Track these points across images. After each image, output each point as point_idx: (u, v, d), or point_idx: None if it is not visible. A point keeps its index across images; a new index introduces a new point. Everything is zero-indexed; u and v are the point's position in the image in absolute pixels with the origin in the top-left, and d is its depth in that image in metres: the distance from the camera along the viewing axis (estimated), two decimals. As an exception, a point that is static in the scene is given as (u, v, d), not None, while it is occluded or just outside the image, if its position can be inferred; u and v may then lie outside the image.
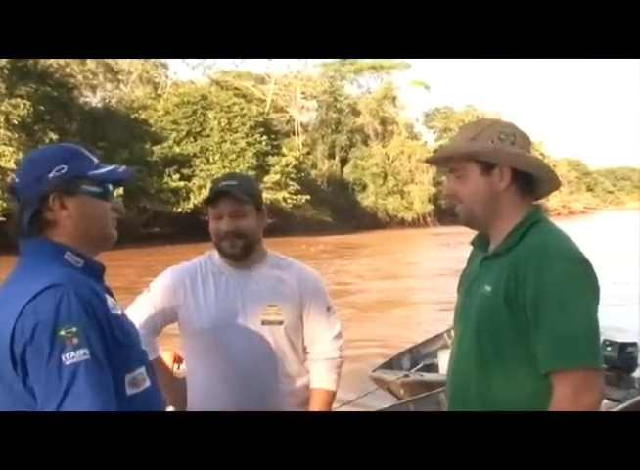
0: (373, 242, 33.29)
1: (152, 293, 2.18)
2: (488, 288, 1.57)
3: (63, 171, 1.39)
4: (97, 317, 1.30)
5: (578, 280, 1.50)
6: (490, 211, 1.62)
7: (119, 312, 1.41)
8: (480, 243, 1.73)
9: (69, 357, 1.23)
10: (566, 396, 1.44)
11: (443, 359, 6.89)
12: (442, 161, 1.74)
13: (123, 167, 1.50)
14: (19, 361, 1.25)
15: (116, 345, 1.33)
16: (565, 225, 1.78)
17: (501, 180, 1.60)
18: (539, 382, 1.50)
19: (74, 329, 1.25)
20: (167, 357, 3.19)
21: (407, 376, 6.60)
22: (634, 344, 5.29)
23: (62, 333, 1.24)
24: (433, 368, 6.98)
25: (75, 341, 1.24)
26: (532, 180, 1.64)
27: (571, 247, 1.56)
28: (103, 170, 1.45)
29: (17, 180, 1.41)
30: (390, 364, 7.08)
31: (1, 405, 1.30)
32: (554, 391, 1.46)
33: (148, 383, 1.41)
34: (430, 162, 1.80)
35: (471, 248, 1.82)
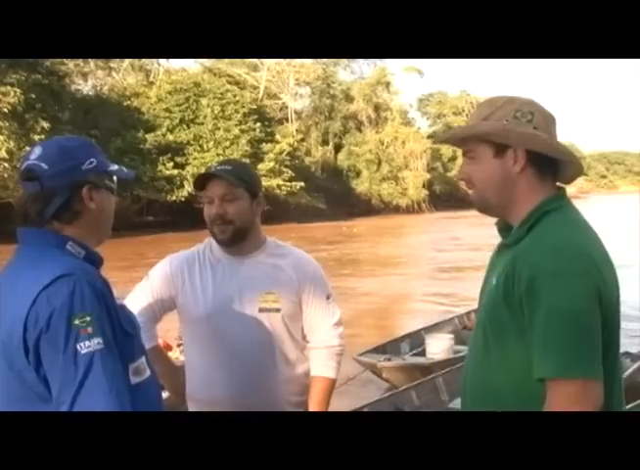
0: (397, 225, 35.97)
1: (150, 281, 2.19)
2: (494, 281, 1.46)
3: (93, 164, 1.44)
4: (107, 307, 1.32)
5: (574, 283, 1.32)
6: (504, 197, 1.48)
7: (121, 302, 1.44)
8: (503, 228, 1.58)
9: (85, 347, 1.25)
10: (554, 406, 1.31)
11: (430, 344, 6.93)
12: (458, 141, 1.59)
13: (125, 168, 1.56)
14: (32, 350, 1.26)
15: (123, 334, 1.35)
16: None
17: (515, 163, 1.45)
18: (537, 383, 1.35)
19: (88, 318, 1.26)
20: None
21: (389, 359, 6.62)
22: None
23: (76, 322, 1.25)
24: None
25: (90, 330, 1.26)
26: (553, 163, 1.48)
27: (575, 242, 1.38)
28: (116, 167, 1.51)
29: (45, 166, 1.39)
30: (384, 349, 7.08)
31: (13, 394, 1.30)
32: (546, 398, 1.33)
33: (148, 372, 1.43)
34: (443, 141, 1.65)
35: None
